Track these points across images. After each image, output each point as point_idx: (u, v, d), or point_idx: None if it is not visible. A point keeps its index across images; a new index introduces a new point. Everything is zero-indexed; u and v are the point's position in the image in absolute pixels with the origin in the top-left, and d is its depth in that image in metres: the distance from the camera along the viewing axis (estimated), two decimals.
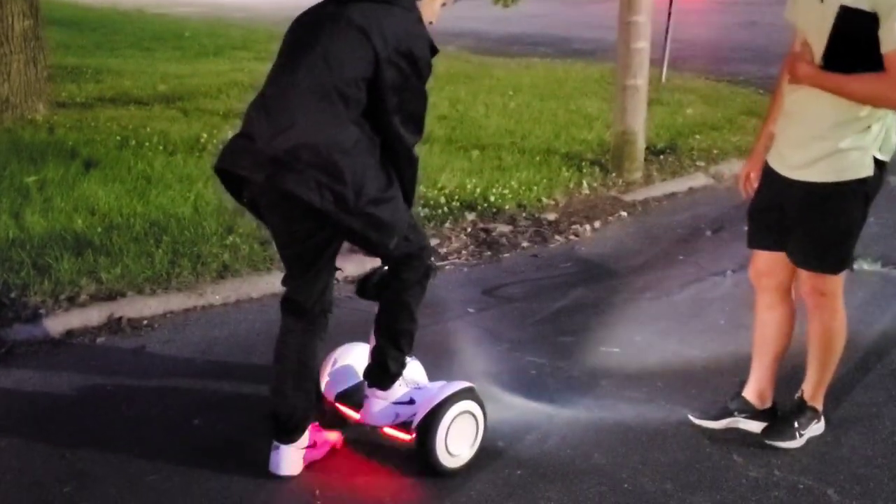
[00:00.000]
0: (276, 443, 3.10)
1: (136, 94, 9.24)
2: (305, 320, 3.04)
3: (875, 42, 2.81)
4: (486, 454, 3.28)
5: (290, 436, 3.09)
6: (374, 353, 3.25)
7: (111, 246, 4.91)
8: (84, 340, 4.20)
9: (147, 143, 6.87)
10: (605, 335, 4.35)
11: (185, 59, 12.46)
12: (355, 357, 3.51)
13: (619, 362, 4.06)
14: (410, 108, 2.87)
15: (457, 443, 3.15)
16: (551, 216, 6.16)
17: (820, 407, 3.43)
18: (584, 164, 7.18)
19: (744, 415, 3.47)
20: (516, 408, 3.64)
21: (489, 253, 5.54)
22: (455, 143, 7.63)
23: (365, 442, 3.32)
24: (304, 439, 3.12)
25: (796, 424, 3.37)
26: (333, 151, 2.72)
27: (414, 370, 3.42)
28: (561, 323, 4.51)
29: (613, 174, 7.03)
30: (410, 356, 3.34)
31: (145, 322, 4.40)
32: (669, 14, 10.41)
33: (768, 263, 3.33)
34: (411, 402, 3.23)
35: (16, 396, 3.70)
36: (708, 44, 14.75)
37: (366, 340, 3.44)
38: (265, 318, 4.34)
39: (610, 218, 6.27)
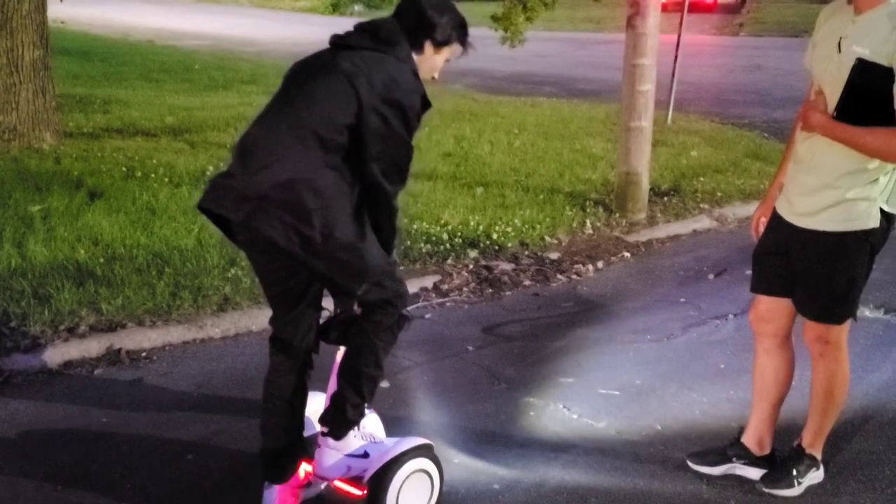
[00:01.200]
0: (267, 483, 3.07)
1: (144, 125, 9.30)
2: (293, 359, 3.02)
3: (890, 96, 2.81)
4: (483, 498, 3.25)
5: (282, 475, 3.05)
6: (333, 398, 3.07)
7: (113, 277, 4.91)
8: (82, 371, 4.19)
9: (153, 175, 6.90)
10: (605, 377, 4.33)
11: (193, 91, 12.56)
12: (312, 407, 3.29)
13: (619, 405, 4.03)
14: (394, 158, 2.82)
15: (410, 502, 3.03)
16: (554, 255, 6.16)
17: (819, 455, 3.40)
18: (587, 203, 7.19)
19: (742, 461, 3.44)
20: (513, 450, 3.61)
21: (490, 290, 5.53)
22: (459, 179, 7.66)
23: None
24: (297, 478, 3.09)
25: (794, 472, 3.33)
26: (305, 193, 2.69)
27: (372, 423, 3.26)
28: (561, 363, 4.49)
29: (617, 214, 7.04)
30: (369, 408, 3.22)
31: (144, 354, 4.39)
32: (676, 56, 10.48)
33: (770, 309, 3.32)
34: (365, 455, 3.07)
35: (11, 427, 3.68)
36: (713, 86, 14.83)
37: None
38: (264, 353, 4.24)
39: (613, 258, 6.27)
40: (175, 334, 4.55)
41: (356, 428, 3.09)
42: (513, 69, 16.74)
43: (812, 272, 3.11)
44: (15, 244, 5.27)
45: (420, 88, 2.86)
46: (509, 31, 10.17)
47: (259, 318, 4.72)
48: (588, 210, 7.05)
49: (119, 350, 4.34)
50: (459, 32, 2.97)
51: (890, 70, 2.79)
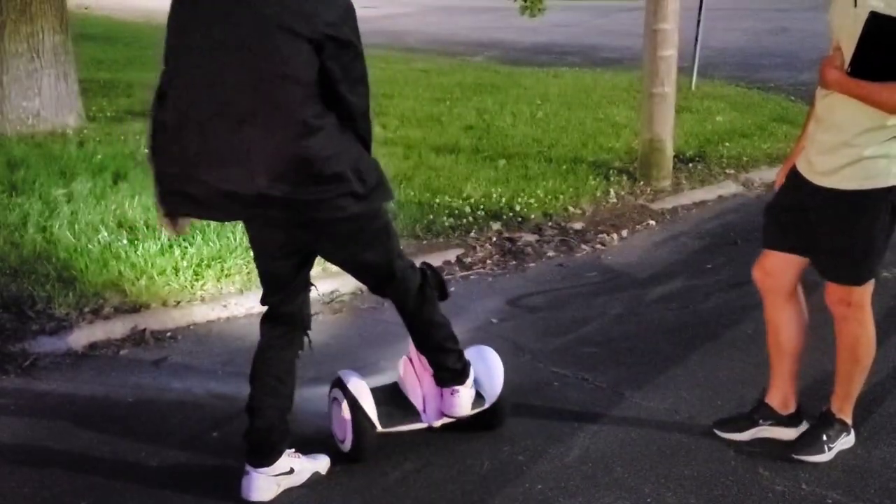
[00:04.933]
0: (247, 467, 3.04)
1: None
2: (289, 334, 3.03)
3: None
4: (507, 468, 3.24)
5: (264, 459, 3.02)
6: (434, 366, 3.27)
7: (136, 258, 4.93)
8: (107, 352, 4.22)
9: None
10: (631, 346, 4.29)
11: None
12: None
13: (644, 373, 4.00)
14: (353, 74, 2.67)
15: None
16: (577, 225, 6.11)
17: (849, 419, 3.34)
18: (611, 172, 7.12)
19: (768, 422, 3.40)
20: (538, 420, 3.59)
21: (514, 262, 5.50)
22: (481, 152, 7.61)
23: (355, 470, 3.25)
24: (279, 465, 3.05)
25: (825, 438, 3.28)
26: (321, 163, 2.64)
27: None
28: (585, 333, 4.46)
29: (641, 182, 6.97)
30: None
31: (169, 334, 4.41)
32: (699, 21, 10.32)
33: (779, 265, 3.27)
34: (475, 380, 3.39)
35: (38, 409, 3.72)
36: (738, 51, 14.61)
37: (385, 350, 3.42)
38: None
39: (637, 227, 6.21)
40: (199, 313, 4.57)
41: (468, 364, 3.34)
42: (534, 40, 16.58)
43: (833, 233, 3.05)
44: (40, 228, 5.30)
45: None
46: (529, 0, 10.07)
47: None
48: (612, 179, 6.98)
49: (144, 330, 4.36)
50: None
51: None
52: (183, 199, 2.78)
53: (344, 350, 4.21)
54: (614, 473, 3.21)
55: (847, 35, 2.89)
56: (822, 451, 3.27)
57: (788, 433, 3.39)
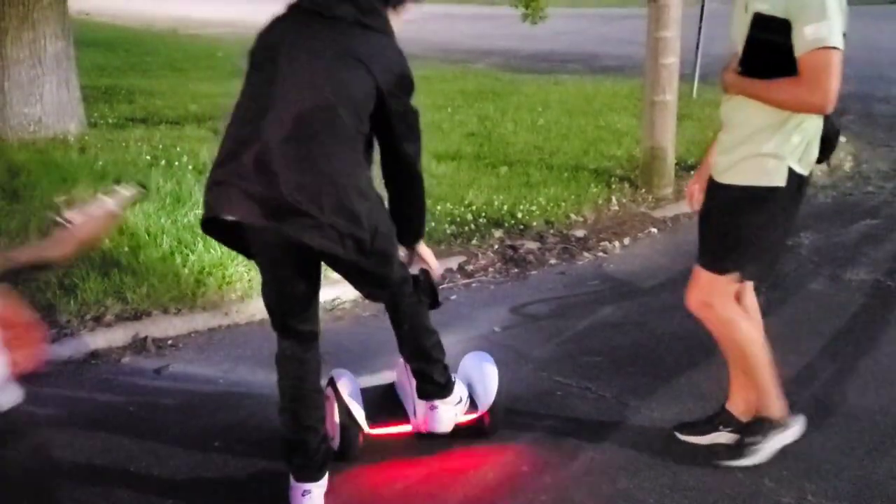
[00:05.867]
0: (306, 486, 2.99)
1: (168, 114, 9.31)
2: (313, 349, 3.02)
3: (789, 48, 2.85)
4: (510, 479, 3.22)
5: (321, 471, 3.01)
6: (418, 376, 3.27)
7: (138, 265, 4.92)
8: (108, 360, 4.20)
9: (177, 163, 6.90)
10: (634, 355, 4.27)
11: (216, 78, 12.56)
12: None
13: (648, 383, 3.98)
14: (416, 131, 2.86)
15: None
16: (579, 233, 6.09)
17: (777, 414, 3.33)
18: (613, 180, 7.11)
19: (728, 429, 3.42)
20: (541, 430, 3.57)
21: (516, 270, 5.48)
22: (483, 159, 7.60)
23: (357, 476, 3.25)
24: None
25: (747, 441, 3.32)
26: (353, 197, 2.67)
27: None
28: (588, 342, 4.44)
29: (643, 190, 6.96)
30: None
31: (170, 341, 4.39)
32: (700, 29, 10.33)
33: None
34: (466, 390, 3.43)
35: (39, 417, 3.69)
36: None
37: (388, 357, 3.42)
38: None
39: (639, 234, 6.20)
40: (200, 321, 4.55)
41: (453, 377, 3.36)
42: (535, 47, 16.59)
43: (717, 222, 3.16)
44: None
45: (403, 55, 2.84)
46: (530, 7, 10.08)
47: None
48: (613, 186, 6.97)
49: (145, 338, 4.35)
50: None
51: (787, 22, 2.82)
52: (216, 192, 2.76)
53: (346, 357, 4.17)
54: (619, 484, 3.19)
55: (740, 39, 3.04)
56: (744, 456, 3.30)
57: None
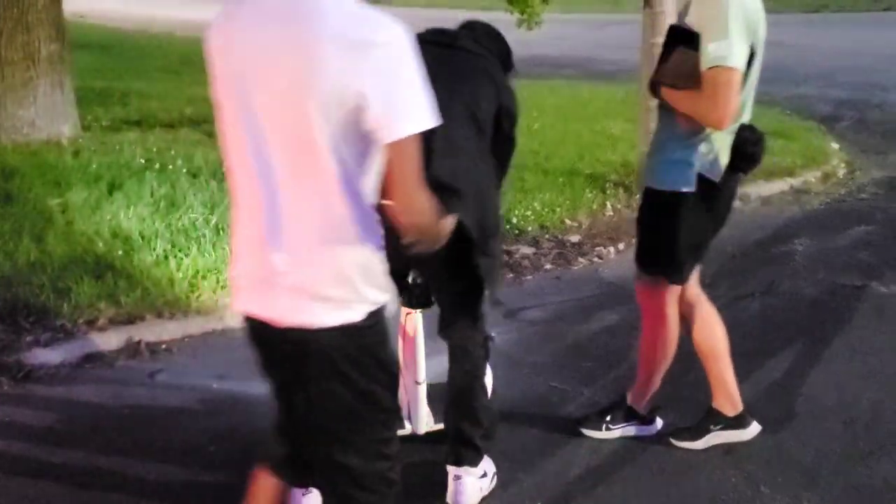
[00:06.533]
0: (459, 470, 3.08)
1: (163, 116, 9.28)
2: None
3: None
4: (507, 484, 3.21)
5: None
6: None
7: (131, 269, 4.90)
8: (102, 364, 4.18)
9: (171, 166, 6.87)
10: (630, 360, 4.26)
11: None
12: None
13: None
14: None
15: None
16: (574, 238, 6.09)
17: (639, 406, 3.53)
18: (608, 185, 7.11)
19: (719, 426, 3.47)
20: (537, 435, 3.56)
21: (512, 275, 5.48)
22: None
23: None
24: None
25: (607, 418, 3.54)
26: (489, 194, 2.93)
27: None
28: (584, 347, 4.44)
29: (638, 196, 6.93)
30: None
31: (164, 346, 4.38)
32: None
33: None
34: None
35: (33, 421, 3.68)
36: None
37: None
38: None
39: (634, 240, 6.17)
40: (194, 325, 4.54)
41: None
42: (530, 52, 16.53)
43: (643, 225, 3.34)
44: (34, 238, 5.26)
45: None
46: (526, 13, 10.08)
47: None
48: (608, 192, 6.97)
49: (139, 342, 4.33)
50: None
51: (698, 35, 2.92)
52: None
53: None
54: (615, 489, 3.19)
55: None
56: (599, 430, 3.53)
57: (741, 434, 3.46)
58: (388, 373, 2.13)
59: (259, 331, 2.12)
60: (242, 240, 2.09)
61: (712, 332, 3.42)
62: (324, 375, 2.05)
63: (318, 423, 2.14)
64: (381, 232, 2.02)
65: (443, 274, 3.01)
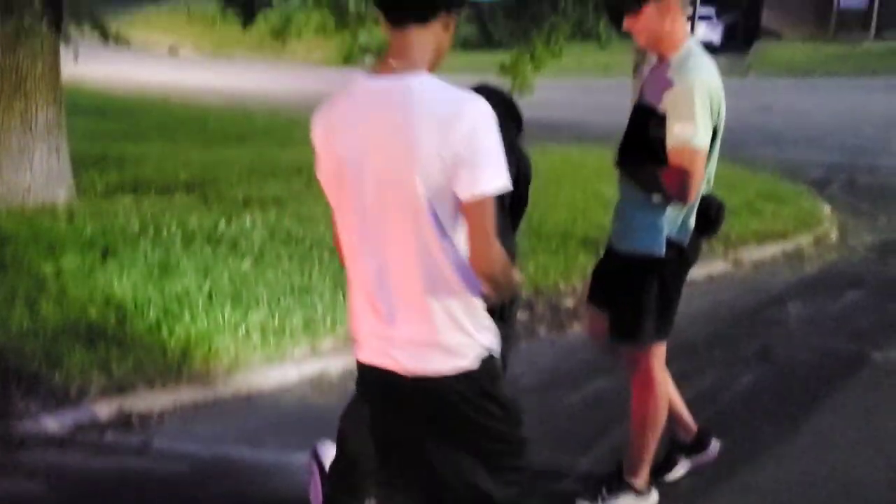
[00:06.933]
0: None
1: (158, 181, 9.32)
2: None
3: (661, 140, 3.12)
4: None
5: None
6: None
7: (124, 337, 4.88)
8: (92, 435, 4.13)
9: (165, 232, 6.89)
10: (625, 429, 4.23)
11: (207, 146, 12.64)
12: None
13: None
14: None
15: None
16: (569, 302, 6.09)
17: (637, 483, 3.50)
18: (601, 249, 7.12)
19: (681, 455, 3.69)
20: None
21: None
22: None
23: None
24: None
25: (603, 490, 3.51)
26: None
27: None
28: (579, 417, 4.41)
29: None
30: None
31: (155, 415, 4.33)
32: None
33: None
34: None
35: (23, 490, 3.64)
36: (722, 131, 14.79)
37: None
38: (276, 412, 4.28)
39: None
40: (186, 395, 4.50)
41: None
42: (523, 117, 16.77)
43: (614, 290, 3.39)
44: (27, 304, 5.25)
45: None
46: (517, 80, 10.22)
47: (270, 378, 4.69)
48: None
49: (130, 412, 4.29)
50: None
51: (663, 117, 3.09)
52: None
53: (332, 431, 4.14)
54: None
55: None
56: (595, 501, 3.48)
57: (705, 457, 3.66)
58: (507, 409, 2.38)
59: (383, 382, 2.35)
60: (358, 299, 2.36)
61: (659, 401, 3.49)
62: (449, 420, 2.31)
63: (451, 464, 2.35)
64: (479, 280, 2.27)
65: None
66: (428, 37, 2.24)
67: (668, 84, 3.10)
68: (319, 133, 2.32)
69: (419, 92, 2.17)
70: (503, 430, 2.37)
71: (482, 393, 2.30)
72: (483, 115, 2.17)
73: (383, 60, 2.26)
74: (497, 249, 2.21)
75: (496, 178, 2.15)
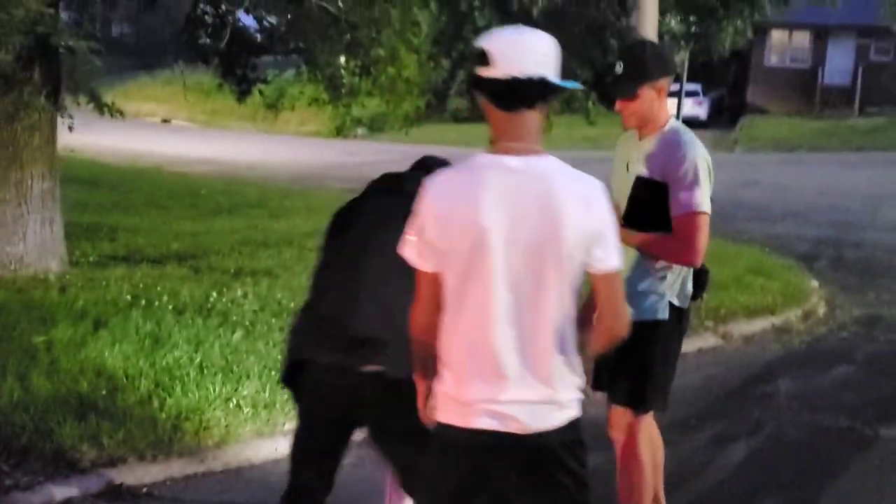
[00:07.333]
0: None
1: (150, 252, 9.36)
2: None
3: (666, 207, 3.30)
4: None
5: None
6: None
7: (115, 409, 4.85)
8: None
9: (157, 303, 6.90)
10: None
11: (199, 216, 12.71)
12: None
13: None
14: None
15: None
16: None
17: None
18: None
19: None
20: None
21: None
22: None
23: None
24: None
25: None
26: None
27: None
28: None
29: None
30: None
31: (145, 489, 4.31)
32: None
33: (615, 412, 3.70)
34: None
35: None
36: (711, 202, 14.96)
37: None
38: (266, 486, 4.23)
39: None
40: (176, 468, 4.48)
41: None
42: None
43: (615, 359, 3.33)
44: (18, 377, 5.22)
45: None
46: None
47: (262, 450, 4.66)
48: None
49: (120, 485, 4.26)
50: None
51: (665, 185, 3.28)
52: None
53: None
54: None
55: (621, 196, 3.46)
56: None
57: None
58: (586, 455, 2.51)
59: (489, 446, 2.40)
60: (473, 366, 2.41)
61: (644, 471, 3.58)
62: (550, 472, 2.42)
63: None
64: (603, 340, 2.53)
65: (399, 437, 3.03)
66: (537, 117, 2.45)
67: (669, 157, 3.29)
68: (443, 204, 2.42)
69: (556, 172, 2.40)
70: (586, 476, 2.49)
71: (578, 440, 2.46)
72: (607, 197, 2.44)
73: (495, 140, 2.47)
74: (627, 313, 2.52)
75: (619, 254, 2.42)
